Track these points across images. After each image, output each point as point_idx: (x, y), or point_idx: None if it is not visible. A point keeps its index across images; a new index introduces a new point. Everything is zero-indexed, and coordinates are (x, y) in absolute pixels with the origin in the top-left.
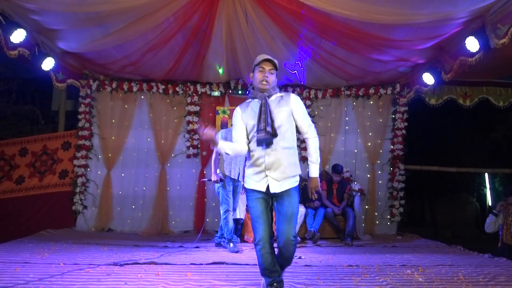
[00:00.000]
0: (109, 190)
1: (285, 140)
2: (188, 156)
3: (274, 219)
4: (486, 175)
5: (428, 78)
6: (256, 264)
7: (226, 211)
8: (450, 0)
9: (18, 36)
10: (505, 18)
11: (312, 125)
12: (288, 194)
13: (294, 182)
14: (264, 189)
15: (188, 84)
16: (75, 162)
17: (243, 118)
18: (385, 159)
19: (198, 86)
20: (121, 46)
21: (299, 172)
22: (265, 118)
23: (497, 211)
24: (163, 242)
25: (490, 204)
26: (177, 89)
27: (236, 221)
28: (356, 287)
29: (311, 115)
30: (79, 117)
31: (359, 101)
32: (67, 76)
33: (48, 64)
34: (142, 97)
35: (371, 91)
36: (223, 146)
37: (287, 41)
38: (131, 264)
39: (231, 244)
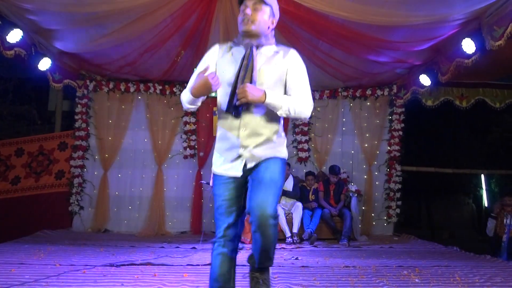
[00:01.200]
0: (105, 191)
1: (268, 112)
2: (185, 157)
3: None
4: (483, 176)
5: (424, 80)
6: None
7: None
8: (446, 2)
9: (14, 36)
10: (501, 20)
11: (311, 97)
12: (267, 162)
13: (277, 152)
14: (239, 173)
15: (185, 84)
16: (72, 162)
17: (218, 63)
18: (382, 160)
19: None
20: (118, 46)
21: (284, 145)
22: (243, 76)
23: (496, 214)
24: (159, 243)
25: (486, 205)
26: (174, 89)
27: None
28: None
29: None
30: (76, 117)
31: (356, 102)
32: (63, 76)
33: (44, 64)
34: (139, 97)
35: (368, 92)
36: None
37: (284, 41)
38: (128, 265)
39: None
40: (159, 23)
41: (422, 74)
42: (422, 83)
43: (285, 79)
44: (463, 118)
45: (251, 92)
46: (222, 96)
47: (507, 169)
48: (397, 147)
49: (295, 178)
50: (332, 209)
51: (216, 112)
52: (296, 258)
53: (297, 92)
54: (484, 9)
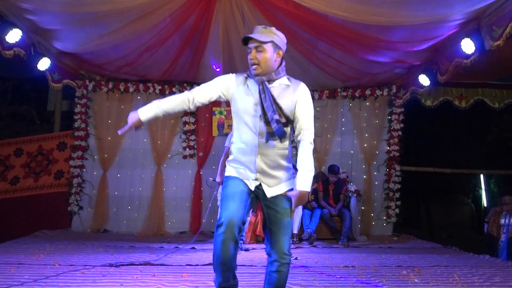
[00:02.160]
0: (105, 191)
1: (283, 140)
2: (185, 157)
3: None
4: (482, 176)
5: (424, 80)
6: (252, 265)
7: None
8: (445, 2)
9: (13, 36)
10: (500, 20)
11: (313, 130)
12: (281, 199)
13: (289, 185)
14: (252, 188)
15: (185, 84)
16: (71, 162)
17: (235, 93)
18: (381, 160)
19: (195, 87)
20: (117, 46)
21: (292, 172)
22: (270, 106)
23: (488, 219)
24: (159, 243)
25: (485, 205)
26: (173, 89)
27: None
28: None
29: None
30: (75, 117)
31: (356, 102)
32: (63, 76)
33: (44, 64)
34: (139, 97)
35: (368, 92)
36: (152, 110)
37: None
38: (127, 265)
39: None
40: (159, 23)
41: (421, 74)
42: (421, 83)
43: (294, 110)
44: (462, 118)
45: (304, 199)
46: (239, 123)
47: (506, 169)
48: (396, 147)
49: None
50: (332, 209)
51: (232, 140)
52: (296, 258)
53: (303, 124)
54: (483, 9)
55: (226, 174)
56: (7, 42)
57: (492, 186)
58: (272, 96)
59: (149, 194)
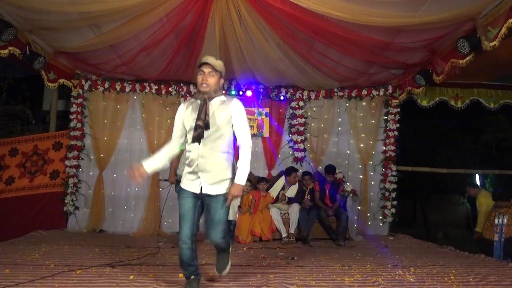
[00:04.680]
0: (101, 191)
1: (221, 144)
2: None
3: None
4: (477, 176)
5: (420, 80)
6: (248, 265)
7: None
8: (441, 3)
9: (8, 35)
10: (495, 21)
11: (249, 135)
12: (217, 200)
13: (225, 188)
14: (198, 191)
15: (181, 84)
16: (67, 162)
17: (183, 116)
18: (377, 160)
19: (191, 87)
20: (114, 46)
21: (230, 176)
22: (200, 115)
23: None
24: (155, 243)
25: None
26: (170, 89)
27: (229, 222)
28: (348, 287)
29: (304, 116)
30: (71, 117)
31: (352, 102)
32: (58, 75)
33: (39, 63)
34: (135, 97)
35: (364, 92)
36: (153, 166)
37: (280, 42)
38: (123, 265)
39: None
40: (155, 22)
41: (417, 75)
42: (417, 83)
43: (231, 121)
44: (458, 118)
45: (238, 191)
46: (189, 135)
47: (501, 169)
48: (392, 147)
49: (299, 182)
50: (328, 209)
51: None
52: (292, 258)
53: (241, 131)
54: (478, 10)
55: (181, 184)
56: (2, 41)
57: (487, 186)
58: (207, 109)
59: (146, 194)
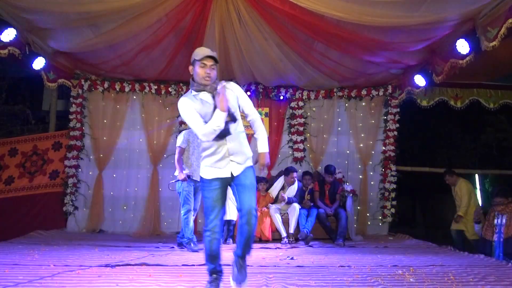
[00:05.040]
0: (100, 191)
1: (239, 125)
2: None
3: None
4: (477, 176)
5: (419, 80)
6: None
7: (188, 211)
8: (441, 3)
9: (8, 34)
10: (495, 21)
11: (256, 111)
12: (245, 172)
13: (250, 161)
14: (229, 175)
15: (181, 84)
16: (66, 162)
17: (197, 110)
18: (377, 160)
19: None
20: (113, 46)
21: (251, 154)
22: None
23: (478, 219)
24: (155, 243)
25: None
26: (169, 89)
27: (228, 222)
28: (348, 287)
29: (304, 116)
30: (70, 117)
31: (352, 103)
32: (58, 75)
33: (39, 63)
34: (134, 97)
35: (363, 92)
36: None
37: (280, 42)
38: (123, 265)
39: (192, 244)
40: (154, 22)
41: (417, 75)
42: (417, 83)
43: (238, 101)
44: (458, 118)
45: (265, 159)
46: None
47: (501, 169)
48: (392, 147)
49: (300, 182)
50: (328, 209)
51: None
52: (292, 258)
53: (249, 108)
54: (478, 10)
55: (204, 176)
56: (2, 41)
57: (487, 186)
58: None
59: (145, 194)
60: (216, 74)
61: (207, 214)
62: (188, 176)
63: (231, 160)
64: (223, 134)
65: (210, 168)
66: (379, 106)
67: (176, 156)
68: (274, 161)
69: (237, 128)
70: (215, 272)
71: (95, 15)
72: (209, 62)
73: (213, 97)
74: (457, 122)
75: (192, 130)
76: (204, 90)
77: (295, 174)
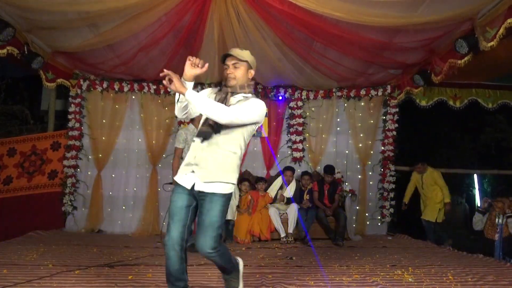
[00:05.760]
0: (99, 191)
1: (227, 141)
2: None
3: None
4: (475, 176)
5: (418, 80)
6: (247, 265)
7: None
8: (440, 3)
9: (7, 34)
10: (494, 21)
11: (241, 112)
12: (211, 200)
13: (222, 189)
14: (189, 186)
15: None
16: (65, 162)
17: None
18: (376, 160)
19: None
20: (112, 45)
21: (232, 181)
22: None
23: (482, 209)
24: (154, 243)
25: (479, 205)
26: (168, 89)
27: (227, 222)
28: (347, 287)
29: (303, 116)
30: (69, 117)
31: (351, 102)
32: (57, 75)
33: (37, 63)
34: (133, 97)
35: (362, 92)
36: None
37: (279, 42)
38: (122, 265)
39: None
40: (154, 22)
41: (416, 75)
42: (416, 83)
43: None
44: (457, 119)
45: (178, 86)
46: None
47: (499, 169)
48: (391, 147)
49: (298, 182)
50: (326, 209)
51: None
52: (291, 258)
53: (236, 106)
54: (477, 10)
55: (174, 177)
56: (0, 40)
57: (486, 186)
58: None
59: (144, 194)
60: (245, 73)
61: (168, 223)
62: None
63: (193, 171)
64: (204, 137)
65: (180, 170)
66: (378, 106)
67: (175, 160)
68: (273, 162)
69: (224, 143)
70: None
71: (94, 14)
72: (230, 61)
73: (220, 101)
74: (456, 122)
75: (189, 128)
76: (236, 92)
77: (290, 173)
